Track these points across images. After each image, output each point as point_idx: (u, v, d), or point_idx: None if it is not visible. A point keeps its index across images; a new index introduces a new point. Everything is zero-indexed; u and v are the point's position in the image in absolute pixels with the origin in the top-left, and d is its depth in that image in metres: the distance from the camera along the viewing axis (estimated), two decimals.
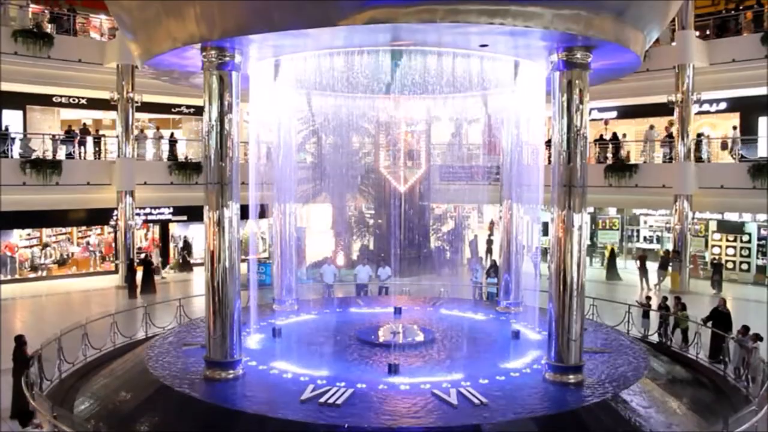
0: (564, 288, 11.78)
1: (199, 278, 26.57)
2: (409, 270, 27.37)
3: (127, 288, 24.55)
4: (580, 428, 10.54)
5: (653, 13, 11.97)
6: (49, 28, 26.44)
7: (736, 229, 27.40)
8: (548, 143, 17.85)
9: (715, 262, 26.37)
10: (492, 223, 34.98)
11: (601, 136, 30.31)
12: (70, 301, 24.05)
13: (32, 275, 26.86)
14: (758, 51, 24.32)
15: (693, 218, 26.61)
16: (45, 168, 24.62)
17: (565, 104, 11.73)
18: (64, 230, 28.24)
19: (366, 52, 12.37)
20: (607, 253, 28.09)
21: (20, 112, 28.50)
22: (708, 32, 27.47)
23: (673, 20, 24.61)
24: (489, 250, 30.62)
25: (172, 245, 30.74)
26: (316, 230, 34.24)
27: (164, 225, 30.21)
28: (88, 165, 26.88)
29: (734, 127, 27.30)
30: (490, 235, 32.89)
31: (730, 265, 27.29)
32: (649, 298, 19.26)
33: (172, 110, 32.53)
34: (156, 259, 27.62)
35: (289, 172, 17.51)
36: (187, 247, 28.89)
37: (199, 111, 26.08)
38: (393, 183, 27.98)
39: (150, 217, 29.04)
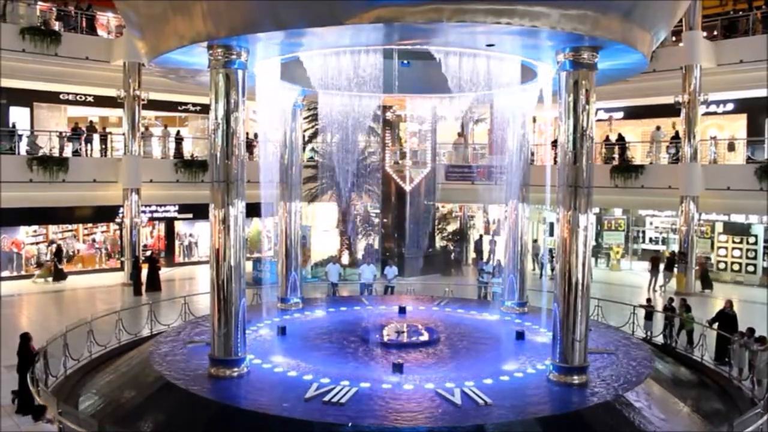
0: (569, 288, 11.75)
1: (203, 275, 26.68)
2: (413, 269, 27.38)
3: (132, 285, 24.63)
4: (584, 429, 10.52)
5: (661, 13, 11.93)
6: (56, 25, 26.54)
7: (743, 230, 27.29)
8: (554, 143, 17.82)
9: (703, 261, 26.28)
10: (488, 223, 34.90)
11: (608, 137, 30.24)
12: (76, 297, 24.14)
13: (38, 272, 26.93)
14: (766, 52, 24.18)
15: (699, 220, 26.53)
16: (52, 165, 24.71)
17: (571, 104, 11.71)
18: (70, 227, 28.34)
19: (373, 51, 12.37)
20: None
21: (27, 110, 28.66)
22: (716, 33, 27.35)
23: (681, 21, 24.52)
24: (492, 251, 30.56)
25: (177, 243, 30.86)
26: (321, 229, 34.28)
27: (170, 223, 30.30)
28: (95, 162, 27.00)
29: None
30: (492, 235, 32.81)
31: (736, 267, 27.27)
32: (649, 300, 19.20)
33: (179, 108, 32.62)
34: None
35: (295, 170, 17.52)
36: (59, 254, 26.44)
37: (205, 109, 26.12)
38: (398, 182, 27.99)
39: (156, 215, 29.12)
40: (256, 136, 30.51)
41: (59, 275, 26.12)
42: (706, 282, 25.43)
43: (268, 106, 16.01)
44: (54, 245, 26.94)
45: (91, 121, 29.20)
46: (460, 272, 29.17)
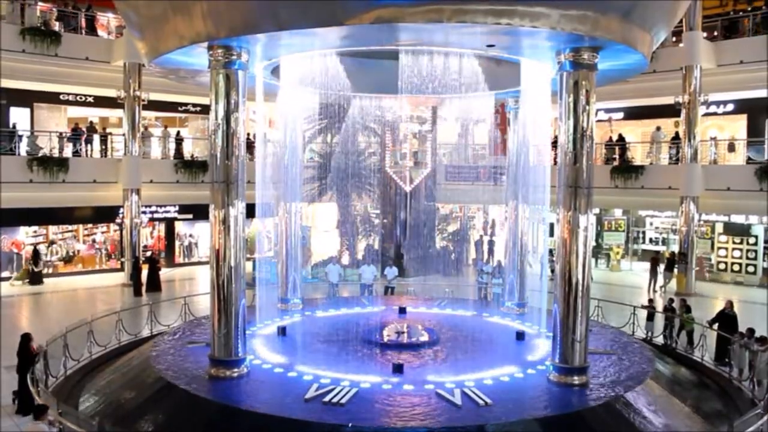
0: (569, 289, 11.75)
1: (203, 276, 26.67)
2: (413, 270, 27.36)
3: (132, 286, 24.62)
4: (585, 430, 10.53)
5: (660, 13, 11.93)
6: (56, 26, 26.54)
7: (743, 231, 27.29)
8: (554, 144, 17.82)
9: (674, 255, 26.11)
10: (485, 224, 34.92)
11: (610, 138, 30.25)
12: (76, 298, 24.14)
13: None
14: (766, 53, 24.17)
15: (699, 220, 26.52)
16: (52, 165, 24.71)
17: (571, 105, 11.71)
18: (70, 227, 28.33)
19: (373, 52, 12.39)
20: None
21: (27, 110, 28.62)
22: (716, 33, 27.35)
23: (681, 21, 24.50)
24: (491, 251, 30.59)
25: (177, 244, 30.87)
26: (321, 229, 34.29)
27: (170, 223, 30.30)
28: (95, 163, 26.98)
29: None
30: (491, 236, 32.82)
31: (736, 268, 27.27)
32: (651, 300, 19.18)
33: (179, 108, 32.59)
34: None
35: (295, 171, 17.52)
36: (35, 257, 25.83)
37: (205, 109, 26.16)
38: (398, 182, 27.94)
39: (156, 216, 29.12)
40: (254, 136, 30.62)
41: (35, 278, 25.70)
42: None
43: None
44: (32, 247, 26.53)
45: (91, 122, 29.19)
46: (460, 273, 29.14)
